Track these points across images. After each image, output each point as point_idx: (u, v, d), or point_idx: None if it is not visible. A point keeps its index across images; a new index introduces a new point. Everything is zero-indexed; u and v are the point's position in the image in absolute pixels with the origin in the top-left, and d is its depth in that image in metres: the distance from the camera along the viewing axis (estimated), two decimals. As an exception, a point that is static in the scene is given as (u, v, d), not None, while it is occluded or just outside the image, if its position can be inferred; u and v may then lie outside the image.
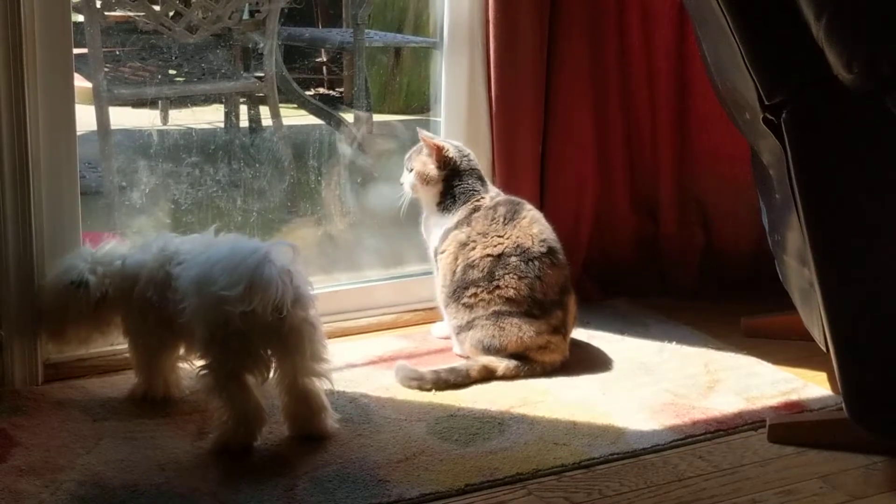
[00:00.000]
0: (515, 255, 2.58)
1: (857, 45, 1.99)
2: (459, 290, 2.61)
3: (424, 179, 2.66)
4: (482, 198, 2.67)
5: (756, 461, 2.20)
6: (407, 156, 2.74)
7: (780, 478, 2.13)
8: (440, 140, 2.69)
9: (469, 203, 2.66)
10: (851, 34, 2.00)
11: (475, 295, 2.59)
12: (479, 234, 2.62)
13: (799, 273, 2.30)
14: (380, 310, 2.88)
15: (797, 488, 2.10)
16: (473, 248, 2.61)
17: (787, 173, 2.10)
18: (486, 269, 2.59)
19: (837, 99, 2.05)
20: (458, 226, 2.65)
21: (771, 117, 2.11)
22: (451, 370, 2.52)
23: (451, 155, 2.66)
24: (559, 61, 2.94)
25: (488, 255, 2.59)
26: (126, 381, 2.44)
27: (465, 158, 2.69)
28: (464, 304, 2.60)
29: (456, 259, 2.62)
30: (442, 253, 2.66)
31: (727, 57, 2.22)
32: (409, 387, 2.49)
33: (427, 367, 2.54)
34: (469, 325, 2.59)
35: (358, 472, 2.10)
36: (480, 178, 2.71)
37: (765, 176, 2.43)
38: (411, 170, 2.69)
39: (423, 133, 2.69)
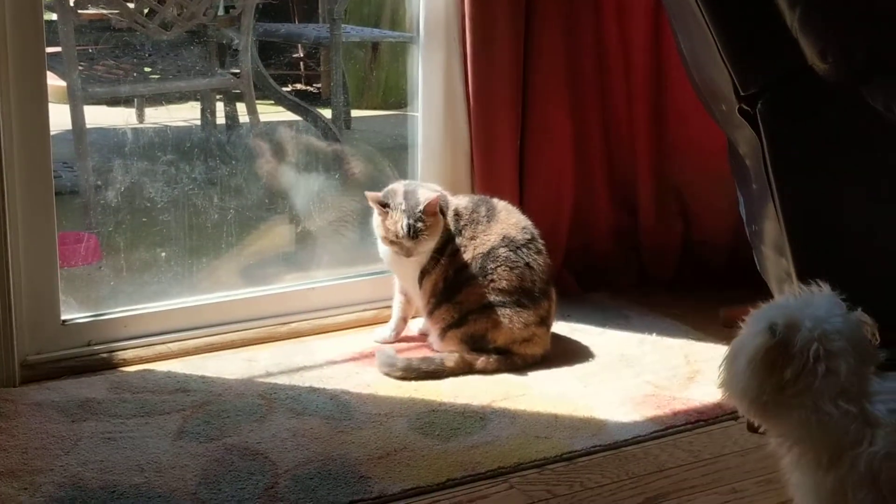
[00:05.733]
0: (504, 247, 2.59)
1: (831, 34, 2.00)
2: (451, 291, 2.60)
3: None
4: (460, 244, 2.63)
5: (736, 451, 2.21)
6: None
7: (761, 467, 2.13)
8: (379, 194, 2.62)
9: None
10: (825, 24, 2.00)
11: (468, 292, 2.58)
12: (468, 239, 2.62)
13: (776, 263, 2.30)
14: (360, 306, 2.87)
15: (777, 477, 2.10)
16: (464, 253, 2.61)
17: (763, 163, 2.10)
18: (477, 266, 2.59)
19: (812, 89, 2.05)
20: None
21: (746, 108, 2.11)
22: (425, 359, 2.52)
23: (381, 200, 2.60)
24: (536, 56, 2.94)
25: (480, 254, 2.60)
26: (104, 381, 2.43)
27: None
28: (456, 303, 2.59)
29: (446, 269, 2.61)
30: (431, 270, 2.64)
31: (703, 49, 2.22)
32: (382, 372, 2.51)
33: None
34: (460, 322, 2.58)
35: (339, 469, 2.09)
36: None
37: (742, 167, 2.43)
38: None
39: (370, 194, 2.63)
